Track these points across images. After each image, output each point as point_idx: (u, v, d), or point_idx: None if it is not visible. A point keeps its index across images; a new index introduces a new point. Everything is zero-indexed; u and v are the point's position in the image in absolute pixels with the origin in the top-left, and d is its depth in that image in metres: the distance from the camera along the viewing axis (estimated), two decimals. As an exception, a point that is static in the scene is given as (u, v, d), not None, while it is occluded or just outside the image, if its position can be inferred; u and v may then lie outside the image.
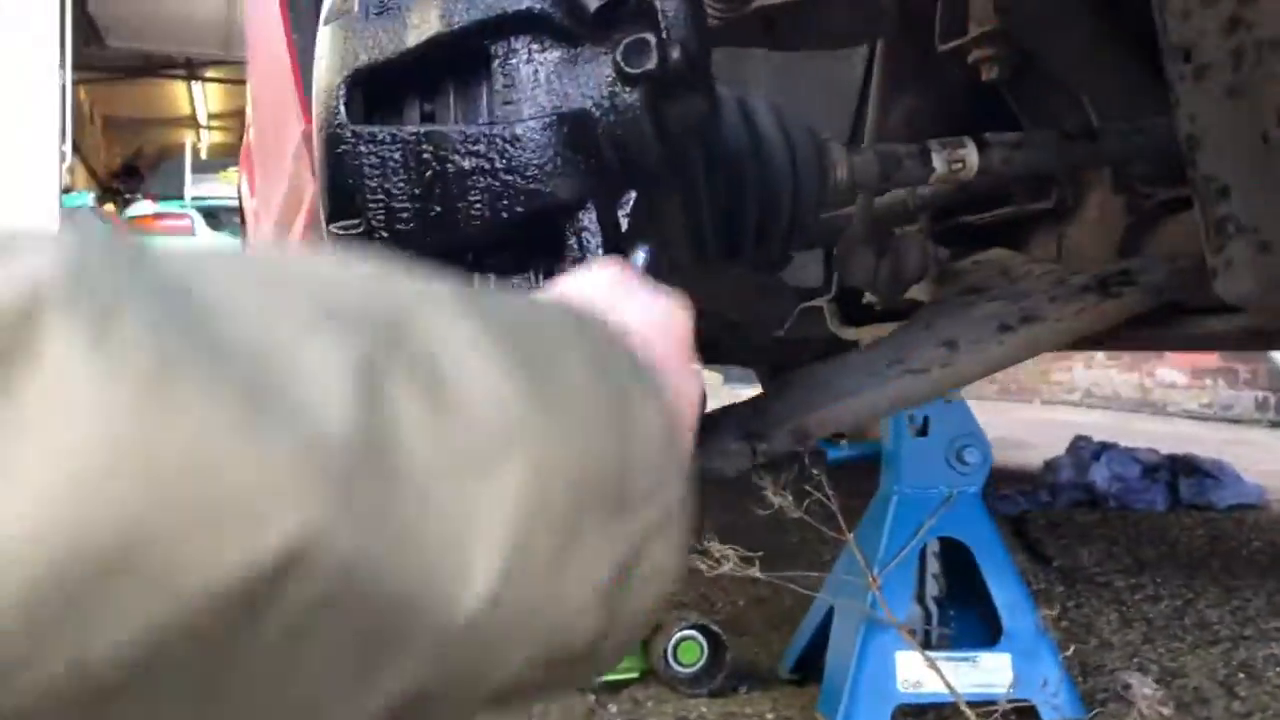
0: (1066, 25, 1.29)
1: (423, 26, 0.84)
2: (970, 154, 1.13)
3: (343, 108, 0.85)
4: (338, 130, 0.85)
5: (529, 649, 0.38)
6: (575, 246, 0.84)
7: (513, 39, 0.85)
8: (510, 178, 0.82)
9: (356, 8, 0.87)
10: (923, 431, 1.76)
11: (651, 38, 0.81)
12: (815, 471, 1.78)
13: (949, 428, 1.76)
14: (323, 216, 0.87)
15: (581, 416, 0.40)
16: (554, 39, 0.84)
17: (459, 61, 0.86)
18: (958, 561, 1.80)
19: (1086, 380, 8.41)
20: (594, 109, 0.83)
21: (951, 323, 1.15)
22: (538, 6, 0.83)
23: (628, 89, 0.82)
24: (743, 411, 1.07)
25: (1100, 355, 7.88)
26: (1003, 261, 1.44)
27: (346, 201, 0.85)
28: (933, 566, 1.79)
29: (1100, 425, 5.61)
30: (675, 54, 0.82)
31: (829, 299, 1.70)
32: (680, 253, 1.04)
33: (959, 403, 1.77)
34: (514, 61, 0.84)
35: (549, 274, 0.84)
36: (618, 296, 0.53)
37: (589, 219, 0.83)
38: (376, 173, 0.84)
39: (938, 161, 1.12)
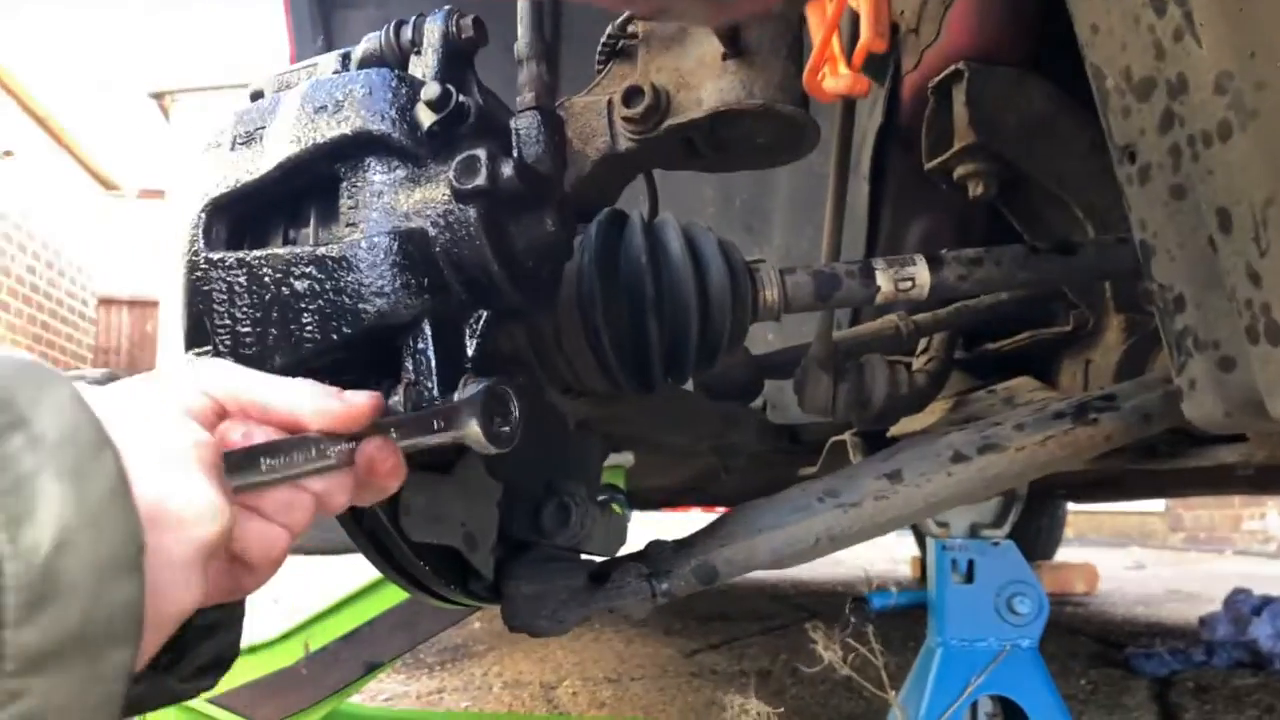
0: (1050, 137, 1.21)
1: (274, 153, 0.85)
2: (920, 271, 1.05)
3: (200, 235, 0.85)
4: (194, 258, 0.85)
5: None
6: (410, 368, 0.80)
7: (364, 160, 0.84)
8: (339, 298, 0.80)
9: (226, 139, 0.89)
10: (968, 578, 1.61)
11: (482, 153, 0.79)
12: (854, 620, 1.67)
13: (997, 574, 1.61)
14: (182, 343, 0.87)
15: None
16: (400, 159, 0.83)
17: (317, 186, 0.86)
18: (1021, 724, 1.62)
19: (1284, 528, 7.70)
20: (430, 228, 0.81)
21: (908, 454, 1.05)
22: (376, 128, 0.82)
23: (461, 206, 0.80)
24: (661, 549, 1.00)
25: (1298, 501, 7.25)
26: (1012, 390, 1.33)
27: (199, 327, 0.85)
28: (985, 729, 1.62)
29: (1287, 578, 5.11)
30: (507, 170, 0.79)
31: (853, 433, 1.60)
32: (574, 377, 1.00)
33: (1008, 546, 1.62)
34: (359, 183, 0.83)
35: (386, 397, 0.81)
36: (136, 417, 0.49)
37: (425, 341, 0.80)
38: (224, 298, 0.84)
39: (882, 280, 1.05)
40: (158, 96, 12.38)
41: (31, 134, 9.47)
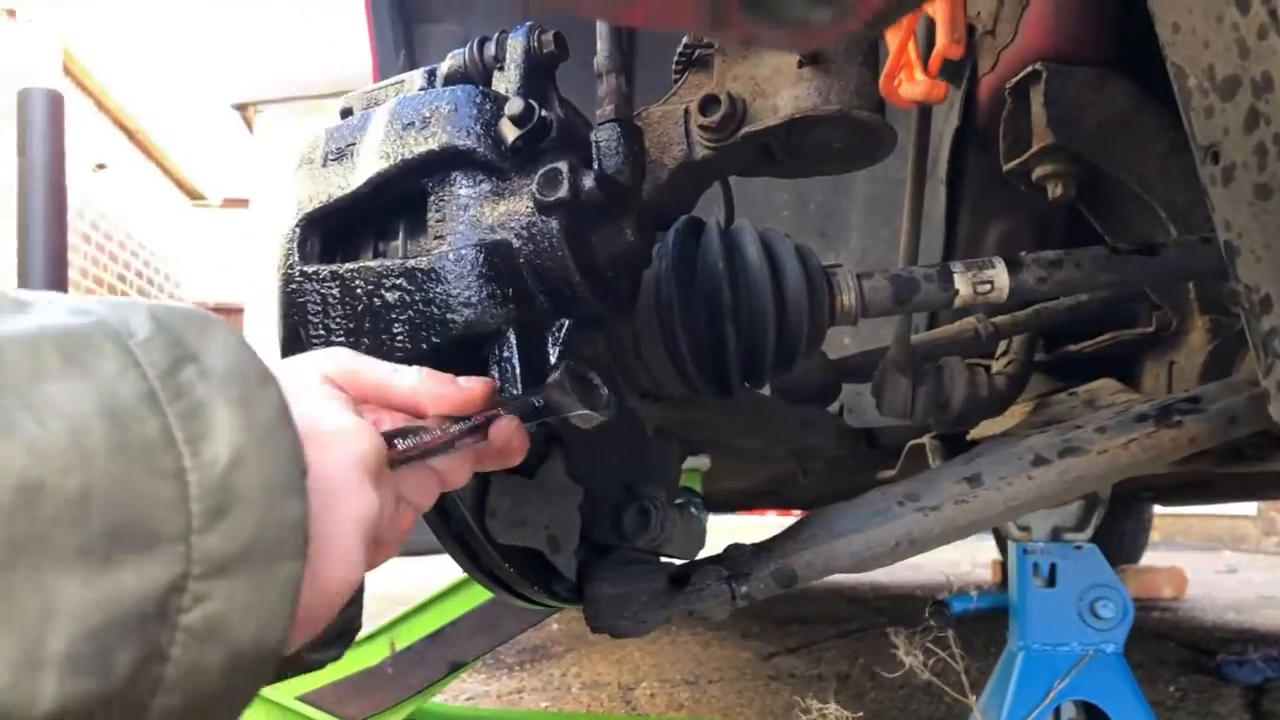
0: (1131, 137, 1.20)
1: (364, 169, 0.88)
2: (999, 274, 1.05)
3: (295, 249, 0.89)
4: (289, 270, 0.88)
5: None
6: (495, 376, 0.83)
7: (451, 175, 0.87)
8: (428, 309, 0.83)
9: (318, 156, 0.92)
10: (1050, 582, 1.60)
11: (564, 166, 0.81)
12: (933, 624, 1.66)
13: (1080, 577, 1.59)
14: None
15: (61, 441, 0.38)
16: (485, 173, 0.86)
17: (405, 200, 0.89)
18: (1106, 731, 1.60)
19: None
20: (514, 239, 0.83)
21: (988, 458, 1.05)
22: (461, 143, 0.85)
23: (544, 218, 0.82)
24: (741, 552, 1.01)
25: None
26: (1093, 392, 1.32)
27: (294, 338, 0.88)
28: (1068, 735, 1.60)
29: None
30: (588, 182, 0.81)
31: (931, 436, 1.60)
32: (653, 383, 1.01)
33: (1090, 550, 1.60)
34: (446, 196, 0.86)
35: (474, 405, 0.83)
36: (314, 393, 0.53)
37: (510, 349, 0.83)
38: (319, 309, 0.87)
39: (961, 283, 1.05)
40: (241, 108, 12.67)
41: (122, 147, 9.77)
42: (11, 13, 6.56)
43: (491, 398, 0.73)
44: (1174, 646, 3.80)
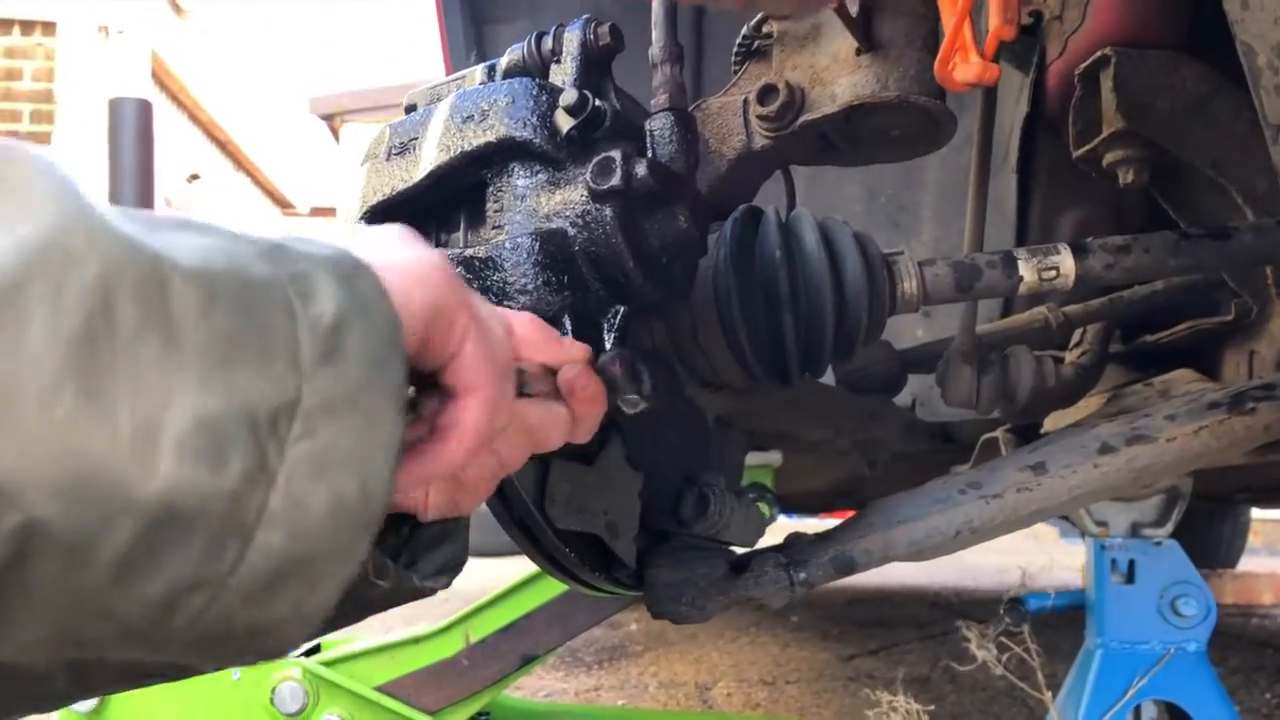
0: (1206, 120, 1.17)
1: (426, 162, 0.90)
2: (1065, 260, 1.03)
3: (359, 241, 0.91)
4: (354, 262, 0.91)
5: (41, 452, 0.34)
6: (552, 362, 0.84)
7: (509, 166, 0.88)
8: (487, 296, 0.84)
9: (382, 151, 0.94)
10: (1129, 578, 1.56)
11: (617, 155, 0.82)
12: (1008, 621, 1.64)
13: (1160, 574, 1.55)
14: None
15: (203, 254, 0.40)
16: (541, 163, 0.87)
17: (465, 192, 0.91)
18: (1190, 733, 1.56)
19: None
20: (569, 228, 0.85)
21: (1054, 446, 1.04)
22: (519, 135, 0.86)
23: (598, 206, 0.83)
24: (801, 540, 1.01)
25: None
26: (1169, 383, 1.29)
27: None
28: (1149, 735, 1.56)
29: None
30: (641, 170, 0.82)
31: (1005, 429, 1.57)
32: (712, 372, 1.02)
33: (1171, 545, 1.56)
34: (504, 187, 0.88)
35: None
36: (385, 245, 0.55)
37: (565, 334, 0.84)
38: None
39: (1025, 270, 1.03)
40: (328, 118, 12.97)
41: (215, 158, 10.05)
42: (104, 29, 6.81)
43: (587, 365, 0.75)
44: (1272, 654, 3.67)
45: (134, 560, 0.37)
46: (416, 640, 1.84)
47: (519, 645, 1.82)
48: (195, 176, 9.10)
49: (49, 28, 6.83)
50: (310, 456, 0.40)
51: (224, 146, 10.26)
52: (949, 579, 6.11)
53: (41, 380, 0.34)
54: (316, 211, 13.80)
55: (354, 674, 1.81)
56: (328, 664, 1.81)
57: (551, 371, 0.71)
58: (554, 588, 1.83)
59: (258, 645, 0.43)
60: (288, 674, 1.78)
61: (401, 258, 0.54)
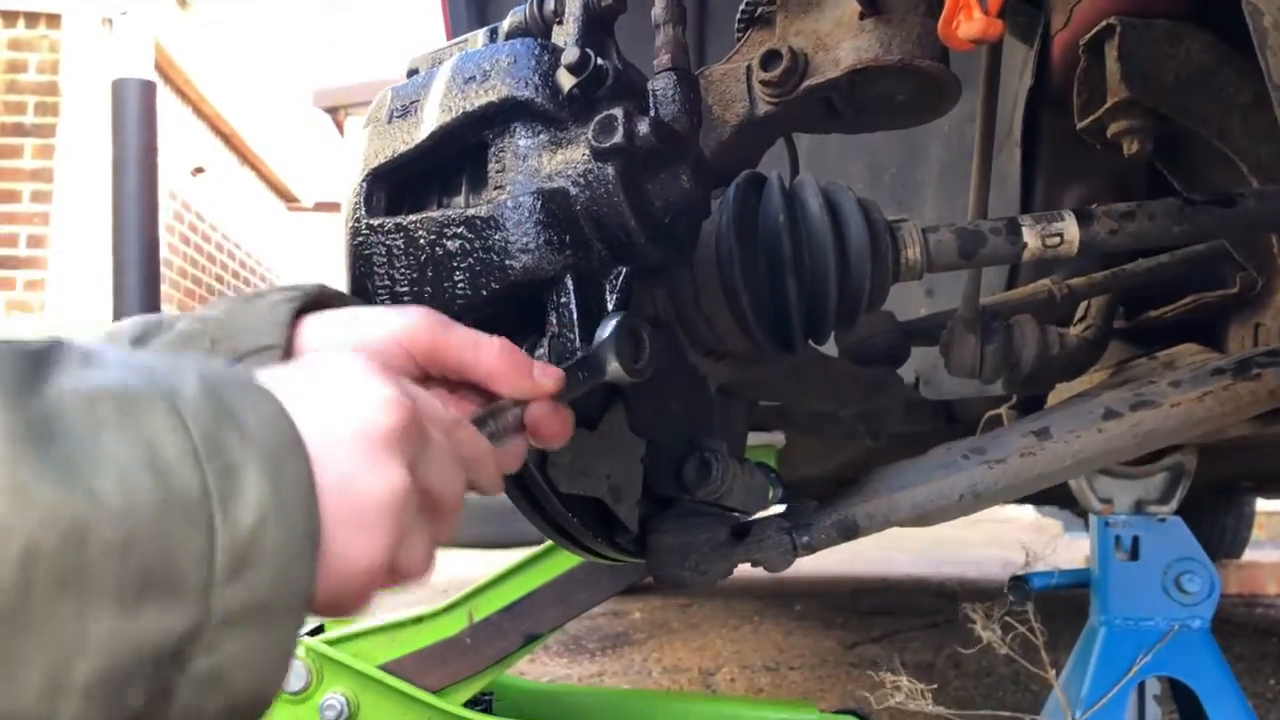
0: (1211, 90, 1.16)
1: (428, 123, 0.90)
2: (1068, 227, 1.03)
3: (361, 203, 0.91)
4: (356, 224, 0.91)
5: None
6: (554, 321, 0.84)
7: (510, 126, 0.88)
8: (488, 256, 0.84)
9: (384, 114, 0.94)
10: (1133, 555, 1.56)
11: (619, 113, 0.82)
12: (1012, 600, 1.64)
13: (1164, 550, 1.55)
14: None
15: (97, 493, 0.41)
16: (543, 123, 0.87)
17: (467, 153, 0.90)
18: (1196, 708, 1.56)
19: None
20: (571, 187, 0.84)
21: (1059, 413, 1.03)
22: (520, 94, 0.86)
23: (600, 165, 0.83)
24: (804, 506, 1.01)
25: None
26: (1174, 355, 1.29)
27: (361, 290, 0.91)
28: (1153, 713, 1.56)
29: None
30: (644, 128, 0.82)
31: (1009, 406, 1.57)
32: (715, 338, 1.01)
33: (1175, 521, 1.56)
34: (505, 147, 0.88)
35: (533, 349, 0.85)
36: (318, 387, 0.54)
37: (567, 295, 0.84)
38: (384, 260, 0.89)
39: (1029, 236, 1.03)
40: (332, 111, 12.96)
41: (219, 151, 10.06)
42: (108, 21, 6.81)
43: (561, 393, 0.75)
44: (1276, 642, 3.67)
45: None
46: (419, 619, 1.84)
47: (522, 624, 1.81)
48: (200, 170, 9.11)
49: (54, 20, 6.83)
50: (210, 671, 0.43)
51: (228, 140, 10.26)
52: (954, 570, 6.11)
53: None
54: (321, 206, 13.81)
55: (357, 653, 1.81)
56: (331, 643, 1.81)
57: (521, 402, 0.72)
58: (556, 567, 1.83)
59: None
60: (291, 653, 1.78)
61: (347, 422, 0.53)
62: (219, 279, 9.92)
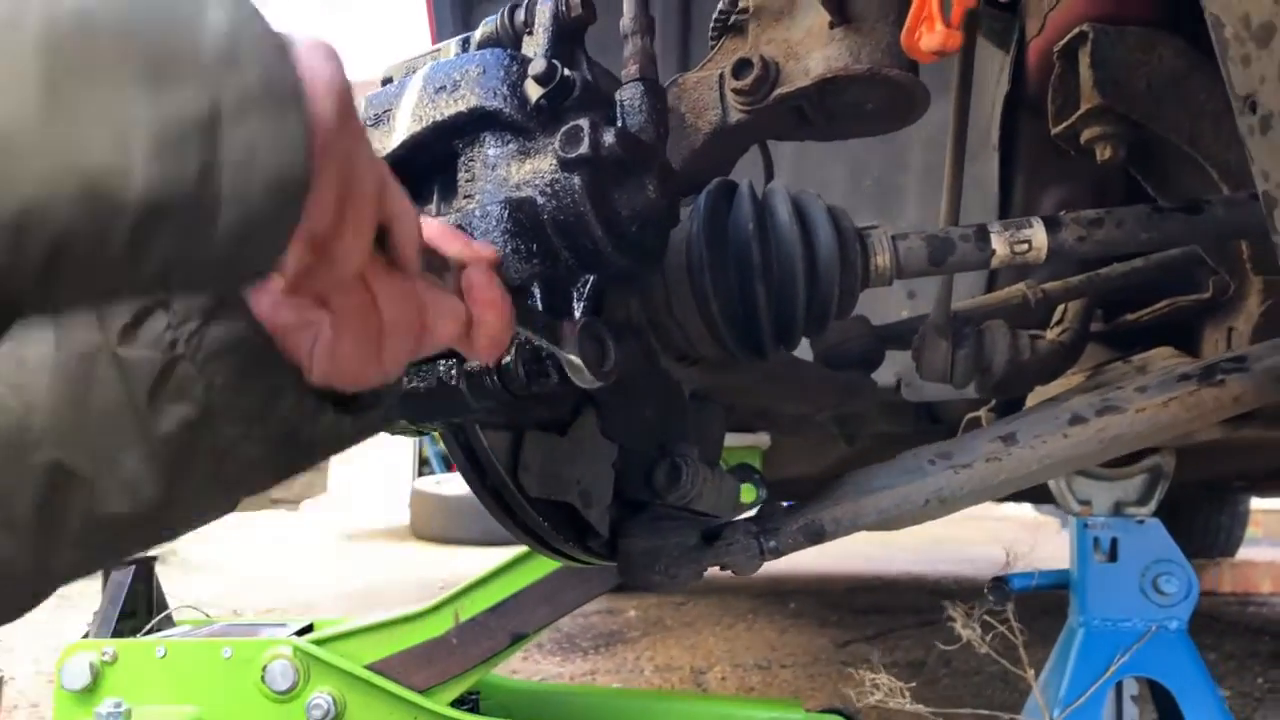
0: (1183, 96, 1.17)
1: (399, 132, 0.91)
2: (1037, 234, 1.04)
3: (334, 211, 0.92)
4: (328, 232, 0.92)
5: (51, 176, 0.44)
6: (521, 330, 0.85)
7: (480, 135, 0.89)
8: (456, 265, 0.85)
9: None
10: (1112, 556, 1.57)
11: (585, 123, 0.83)
12: (992, 600, 1.65)
13: (1142, 552, 1.56)
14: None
15: None
16: (512, 133, 0.88)
17: (438, 163, 0.92)
18: (1173, 709, 1.57)
19: None
20: (539, 196, 0.85)
21: (1026, 419, 1.05)
22: (489, 104, 0.87)
23: (566, 175, 0.84)
24: (773, 510, 1.02)
25: None
26: (1148, 360, 1.30)
27: (333, 297, 0.92)
28: (1130, 713, 1.57)
29: None
30: (609, 138, 0.83)
31: (988, 408, 1.58)
32: (688, 344, 1.02)
33: (1153, 524, 1.57)
34: (475, 157, 0.89)
35: (500, 358, 0.86)
36: None
37: (534, 302, 0.85)
38: (355, 268, 0.90)
39: (998, 243, 1.04)
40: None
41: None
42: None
43: (496, 261, 0.74)
44: (1268, 640, 3.68)
45: (133, 251, 0.47)
46: (407, 619, 1.85)
47: (508, 624, 1.83)
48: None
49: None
50: (238, 150, 0.48)
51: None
52: (951, 568, 6.12)
53: (31, 121, 0.44)
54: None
55: (344, 653, 1.82)
56: (318, 643, 1.83)
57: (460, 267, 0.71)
58: (543, 567, 1.84)
59: (235, 278, 0.54)
60: (278, 652, 1.79)
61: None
62: (218, 277, 9.93)
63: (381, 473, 9.36)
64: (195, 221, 0.48)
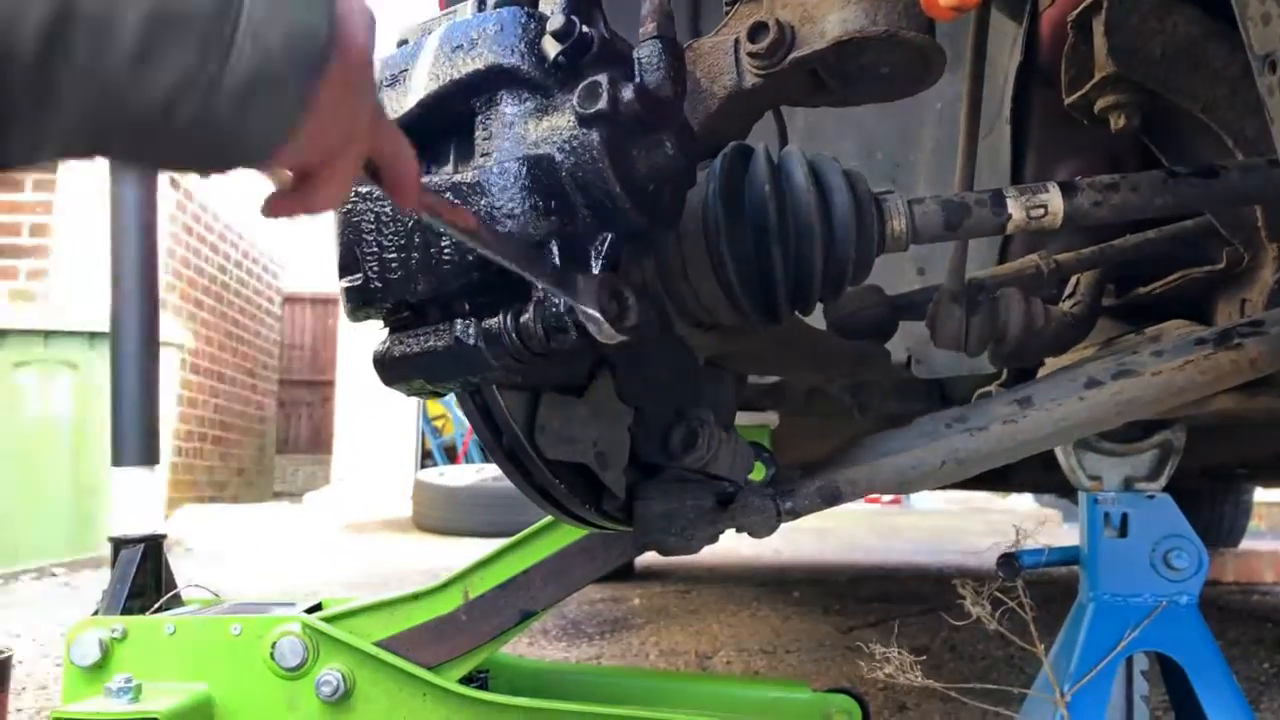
0: (1198, 64, 1.17)
1: (416, 91, 0.91)
2: (1053, 198, 1.04)
3: (351, 171, 0.92)
4: (345, 191, 0.92)
5: None
6: (539, 287, 0.85)
7: (497, 94, 0.89)
8: (475, 222, 0.85)
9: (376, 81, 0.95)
10: (1122, 531, 1.57)
11: (604, 79, 0.83)
12: (1002, 576, 1.65)
13: (1153, 527, 1.56)
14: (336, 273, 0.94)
15: None
16: (529, 90, 0.88)
17: (456, 123, 0.91)
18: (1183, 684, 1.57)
19: None
20: (557, 153, 0.85)
21: (1042, 383, 1.04)
22: (506, 61, 0.87)
23: (584, 131, 0.84)
24: (789, 473, 1.02)
25: None
26: (1161, 331, 1.30)
27: (350, 257, 0.92)
28: (1141, 687, 1.57)
29: None
30: (628, 94, 0.83)
31: (999, 384, 1.58)
32: (702, 309, 1.02)
33: (1164, 498, 1.57)
34: (492, 115, 0.89)
35: (518, 315, 0.86)
36: None
37: (552, 260, 0.85)
38: (372, 228, 0.91)
39: (1013, 208, 1.04)
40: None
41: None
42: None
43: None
44: (1271, 627, 3.68)
45: (142, 51, 0.47)
46: (416, 596, 1.85)
47: (517, 601, 1.83)
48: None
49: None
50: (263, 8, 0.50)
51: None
52: (953, 558, 6.12)
53: None
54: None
55: (354, 630, 1.82)
56: (328, 619, 1.82)
57: None
58: (552, 544, 1.84)
59: (238, 148, 0.54)
60: (287, 629, 1.79)
61: None
62: (222, 269, 9.93)
63: (384, 465, 9.36)
64: (204, 49, 0.49)
